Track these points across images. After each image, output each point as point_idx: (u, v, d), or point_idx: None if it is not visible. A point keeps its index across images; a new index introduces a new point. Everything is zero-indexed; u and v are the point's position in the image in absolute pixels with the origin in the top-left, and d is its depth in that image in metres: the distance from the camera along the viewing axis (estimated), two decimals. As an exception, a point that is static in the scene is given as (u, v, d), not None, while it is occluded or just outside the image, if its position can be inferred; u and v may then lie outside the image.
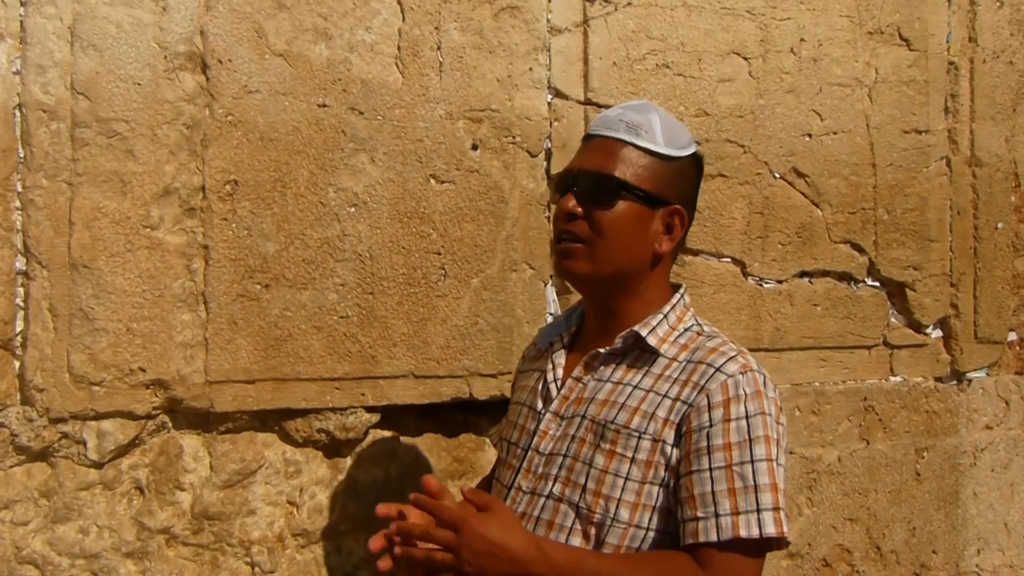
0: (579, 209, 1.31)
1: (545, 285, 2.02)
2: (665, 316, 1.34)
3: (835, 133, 2.24)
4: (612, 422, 1.27)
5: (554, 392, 1.38)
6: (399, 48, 1.89)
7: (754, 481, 1.17)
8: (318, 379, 1.84)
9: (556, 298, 2.03)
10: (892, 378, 2.32)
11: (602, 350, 1.35)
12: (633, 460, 1.24)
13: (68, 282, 1.69)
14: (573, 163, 1.37)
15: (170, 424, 1.79)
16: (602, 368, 1.35)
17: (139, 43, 1.72)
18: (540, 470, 1.33)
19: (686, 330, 1.35)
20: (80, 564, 1.72)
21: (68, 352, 1.68)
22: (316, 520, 1.88)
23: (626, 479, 1.24)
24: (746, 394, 1.22)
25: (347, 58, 1.85)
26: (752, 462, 1.18)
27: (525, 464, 1.36)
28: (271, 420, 1.85)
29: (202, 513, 1.79)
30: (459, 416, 1.99)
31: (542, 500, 1.31)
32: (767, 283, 2.18)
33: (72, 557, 1.71)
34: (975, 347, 2.38)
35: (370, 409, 1.90)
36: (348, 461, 1.92)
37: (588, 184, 1.32)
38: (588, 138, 1.39)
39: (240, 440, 1.83)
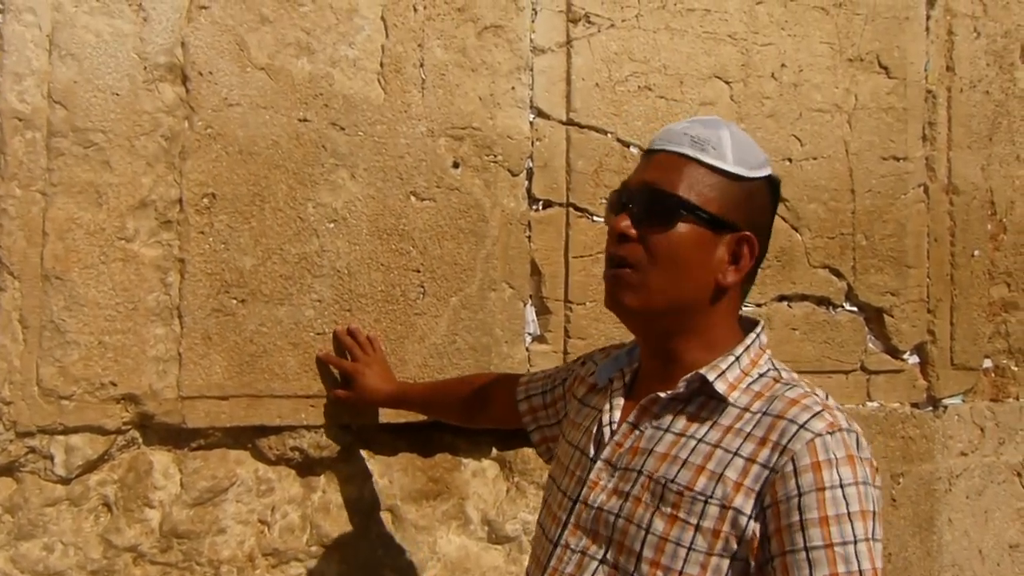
0: (632, 231, 1.17)
1: (524, 305, 2.01)
2: (737, 359, 1.17)
3: (815, 158, 2.25)
4: (673, 481, 1.11)
5: (607, 437, 1.22)
6: (382, 64, 1.89)
7: (858, 566, 1.01)
8: (293, 396, 1.82)
9: (535, 318, 2.02)
10: (869, 403, 2.33)
11: (662, 394, 1.18)
12: (698, 528, 1.08)
13: (40, 293, 1.66)
14: (629, 179, 1.22)
15: (140, 440, 1.76)
16: (661, 415, 1.19)
17: (118, 53, 1.71)
18: (589, 526, 1.19)
19: (760, 376, 1.18)
20: (44, 582, 1.68)
21: (38, 365, 1.65)
22: (287, 540, 1.85)
23: (689, 548, 1.08)
24: (836, 458, 1.05)
25: (329, 73, 1.84)
26: (855, 542, 1.02)
27: (573, 518, 1.21)
28: (244, 437, 1.82)
29: (171, 531, 1.76)
30: (435, 435, 1.97)
31: (594, 564, 1.16)
32: (746, 307, 2.18)
33: (36, 575, 1.67)
34: (951, 373, 2.40)
35: (345, 427, 1.88)
36: (321, 480, 1.89)
37: (645, 202, 1.17)
38: (649, 153, 1.23)
39: (212, 457, 1.80)
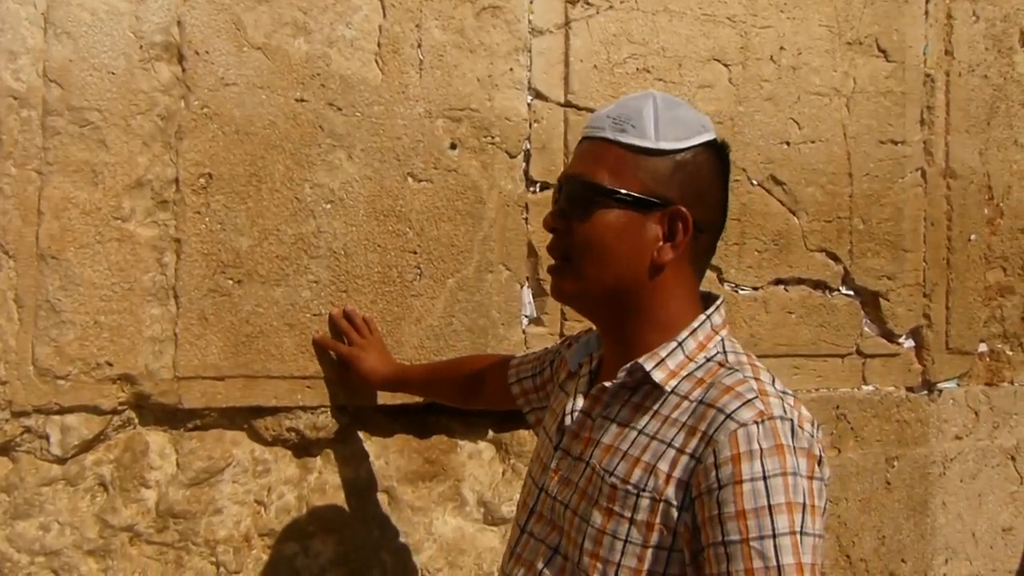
0: (558, 223, 1.18)
1: (521, 287, 2.01)
2: (680, 344, 1.14)
3: (813, 142, 2.25)
4: (611, 474, 1.11)
5: (568, 426, 1.23)
6: (379, 45, 1.88)
7: (777, 561, 0.97)
8: (289, 377, 1.82)
9: (532, 300, 2.02)
10: (864, 387, 2.33)
11: (607, 384, 1.18)
12: (632, 521, 1.07)
13: (35, 273, 1.65)
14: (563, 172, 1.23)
15: (136, 420, 1.76)
16: (610, 404, 1.18)
17: (114, 32, 1.69)
18: (548, 515, 1.20)
19: (707, 360, 1.14)
20: (40, 561, 1.68)
21: (33, 344, 1.65)
22: (283, 520, 1.85)
23: (625, 541, 1.07)
24: (761, 449, 1.00)
25: (326, 53, 1.83)
26: (774, 536, 0.97)
27: (537, 505, 1.23)
28: (240, 418, 1.82)
29: (167, 511, 1.76)
30: (431, 417, 1.97)
31: (549, 553, 1.18)
32: (743, 290, 2.19)
33: (32, 554, 1.68)
34: (946, 357, 2.40)
35: (341, 409, 1.88)
36: (317, 461, 1.89)
37: (567, 194, 1.17)
38: (579, 143, 1.23)
39: (208, 438, 1.80)
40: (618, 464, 1.11)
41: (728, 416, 1.04)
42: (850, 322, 2.30)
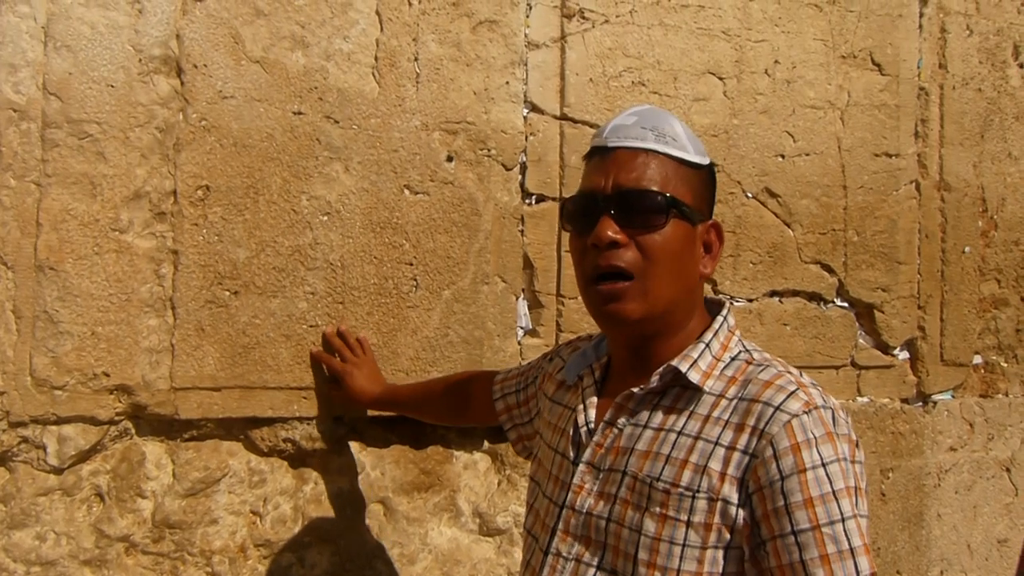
0: (621, 236, 1.12)
1: (517, 299, 2.02)
2: (707, 346, 1.16)
3: (807, 154, 2.26)
4: (658, 479, 1.09)
5: (585, 439, 1.20)
6: (376, 58, 1.90)
7: (848, 543, 1.00)
8: (285, 388, 1.83)
9: (528, 312, 2.03)
10: (859, 399, 2.34)
11: (636, 390, 1.16)
12: (689, 524, 1.06)
13: (33, 284, 1.66)
14: (595, 182, 1.16)
15: (133, 430, 1.77)
16: (639, 411, 1.17)
17: (114, 45, 1.71)
18: (580, 532, 1.16)
19: (732, 359, 1.16)
20: (36, 571, 1.69)
21: (31, 355, 1.66)
22: (279, 531, 1.86)
23: (684, 545, 1.06)
24: (816, 437, 1.03)
25: (324, 66, 1.85)
26: (842, 520, 1.01)
27: (561, 524, 1.19)
28: (236, 428, 1.83)
29: (163, 521, 1.76)
30: (427, 428, 1.98)
31: (591, 571, 1.14)
32: (738, 301, 2.20)
33: (28, 564, 1.68)
34: (941, 369, 2.41)
35: (337, 419, 1.88)
36: (313, 472, 1.90)
37: (630, 204, 1.13)
38: (604, 151, 1.17)
39: (204, 448, 1.81)
40: (663, 468, 1.10)
41: (777, 408, 1.06)
42: (845, 334, 2.31)
